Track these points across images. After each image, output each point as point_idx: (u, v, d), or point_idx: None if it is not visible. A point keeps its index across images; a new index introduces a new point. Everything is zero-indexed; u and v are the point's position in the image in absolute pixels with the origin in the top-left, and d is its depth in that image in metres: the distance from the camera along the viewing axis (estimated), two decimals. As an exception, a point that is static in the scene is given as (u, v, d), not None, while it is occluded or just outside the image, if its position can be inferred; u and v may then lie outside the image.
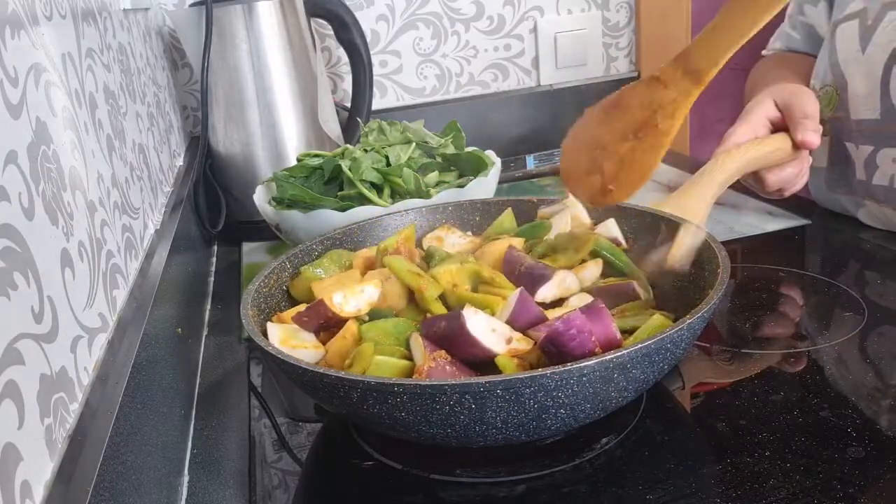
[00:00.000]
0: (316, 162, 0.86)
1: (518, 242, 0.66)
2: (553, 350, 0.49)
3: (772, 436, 0.52)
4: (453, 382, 0.44)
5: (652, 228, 0.66)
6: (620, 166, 0.54)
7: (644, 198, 1.02)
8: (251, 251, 1.00)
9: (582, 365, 0.43)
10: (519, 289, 0.55)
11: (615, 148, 0.55)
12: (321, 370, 0.47)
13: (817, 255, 0.84)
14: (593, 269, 0.62)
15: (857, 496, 0.45)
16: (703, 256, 0.59)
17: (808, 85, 0.89)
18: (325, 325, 0.57)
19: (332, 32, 1.14)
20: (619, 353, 0.44)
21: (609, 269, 0.63)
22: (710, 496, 0.47)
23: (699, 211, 0.71)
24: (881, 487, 0.46)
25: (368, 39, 1.16)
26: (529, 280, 0.58)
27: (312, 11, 1.10)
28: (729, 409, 0.55)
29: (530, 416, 0.45)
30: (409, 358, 0.53)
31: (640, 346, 0.45)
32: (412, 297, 0.59)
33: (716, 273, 0.55)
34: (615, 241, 0.65)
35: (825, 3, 0.93)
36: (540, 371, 0.43)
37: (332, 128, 1.12)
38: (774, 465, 0.49)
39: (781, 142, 0.78)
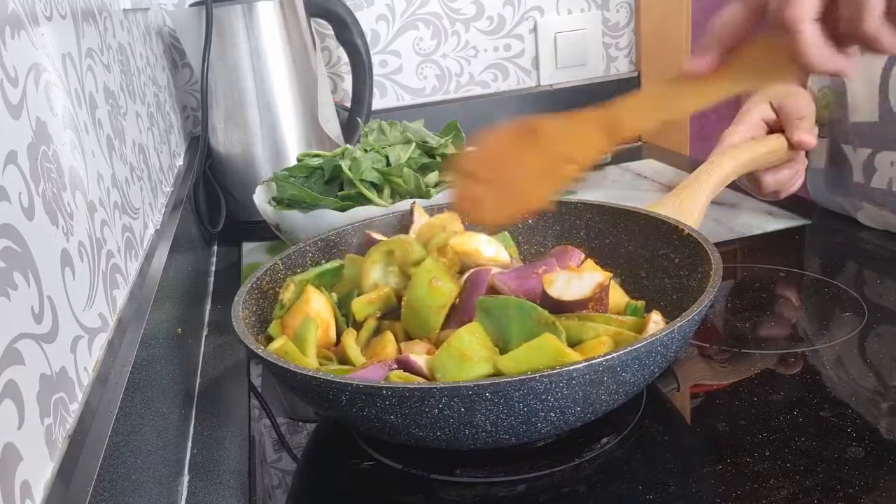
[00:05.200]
0: (316, 162, 0.86)
1: None
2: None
3: (772, 436, 0.52)
4: (442, 385, 0.44)
5: (645, 229, 0.66)
6: (511, 189, 0.54)
7: (641, 198, 1.03)
8: (251, 251, 1.00)
9: (571, 368, 0.43)
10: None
11: (517, 170, 0.54)
12: (310, 373, 0.47)
13: (817, 255, 0.84)
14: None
15: (857, 496, 0.45)
16: (696, 258, 0.59)
17: (804, 86, 0.89)
18: None
19: (332, 32, 1.14)
20: (608, 357, 0.44)
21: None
22: (710, 496, 0.47)
23: (694, 212, 0.71)
24: (881, 487, 0.46)
25: (368, 39, 1.16)
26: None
27: (312, 11, 1.10)
28: (729, 410, 0.55)
29: (520, 419, 0.45)
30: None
31: (629, 348, 0.45)
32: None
33: (708, 275, 0.54)
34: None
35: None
36: (528, 374, 0.43)
37: (332, 128, 1.12)
38: (774, 465, 0.49)
39: (777, 143, 0.78)
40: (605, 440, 0.53)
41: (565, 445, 0.53)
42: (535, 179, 0.53)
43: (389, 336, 0.57)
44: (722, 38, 0.46)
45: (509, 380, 0.43)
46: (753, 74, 0.47)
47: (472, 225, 0.65)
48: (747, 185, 0.83)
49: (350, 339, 0.57)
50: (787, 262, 0.79)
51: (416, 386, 0.45)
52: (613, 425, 0.54)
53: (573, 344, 0.51)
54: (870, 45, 0.44)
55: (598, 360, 0.44)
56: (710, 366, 0.62)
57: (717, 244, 0.59)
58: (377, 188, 0.82)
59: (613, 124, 0.51)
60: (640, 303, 0.59)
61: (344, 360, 0.56)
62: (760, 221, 0.89)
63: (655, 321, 0.53)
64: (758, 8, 0.45)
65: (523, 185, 0.53)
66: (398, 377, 0.49)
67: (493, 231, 0.63)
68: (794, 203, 0.91)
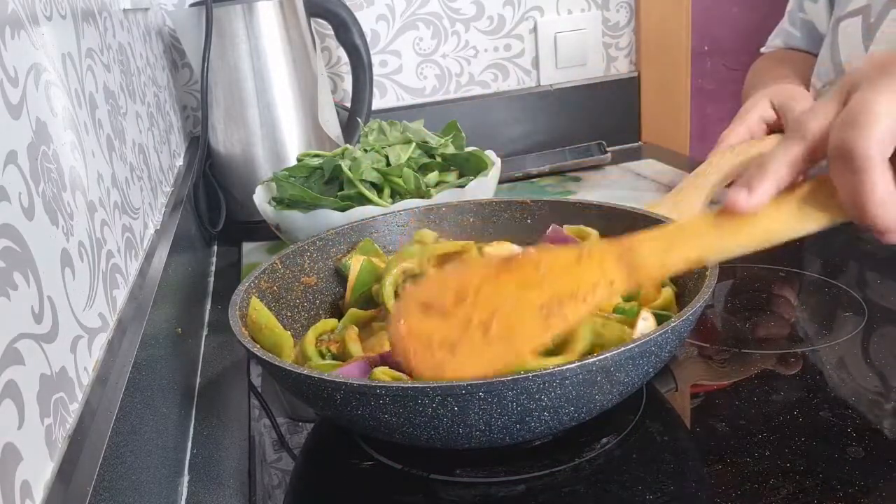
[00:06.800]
0: (316, 162, 0.86)
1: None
2: None
3: (772, 436, 0.52)
4: (435, 385, 0.44)
5: (643, 229, 0.65)
6: (485, 325, 0.42)
7: (641, 198, 1.03)
8: (251, 251, 1.00)
9: (564, 368, 0.43)
10: None
11: (492, 302, 0.43)
12: (304, 372, 0.47)
13: (817, 255, 0.84)
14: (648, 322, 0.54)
15: (857, 496, 0.45)
16: None
17: (808, 83, 0.89)
18: None
19: (332, 32, 1.14)
20: (602, 357, 0.44)
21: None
22: (710, 496, 0.47)
23: (692, 212, 0.71)
24: (881, 487, 0.46)
25: (368, 39, 1.16)
26: None
27: (312, 11, 1.10)
28: (729, 410, 0.55)
29: (513, 418, 0.45)
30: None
31: (623, 349, 0.45)
32: None
33: (704, 275, 0.54)
34: None
35: (826, 1, 0.92)
36: (522, 374, 0.43)
37: (332, 128, 1.12)
38: (774, 465, 0.49)
39: (777, 143, 0.78)
40: (604, 440, 0.53)
41: (565, 445, 0.53)
42: (527, 318, 0.41)
43: (384, 336, 0.57)
44: (780, 177, 0.41)
45: (502, 379, 0.43)
46: (796, 222, 0.41)
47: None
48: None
49: (353, 334, 0.58)
50: (787, 261, 0.79)
51: (409, 385, 0.45)
52: (613, 425, 0.54)
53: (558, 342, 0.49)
54: None
55: (592, 360, 0.44)
56: (709, 366, 0.62)
57: (716, 244, 0.59)
58: (377, 188, 0.81)
59: (630, 256, 0.43)
60: (632, 303, 0.58)
61: (343, 353, 0.57)
62: (760, 221, 0.89)
63: (644, 318, 0.53)
64: (817, 149, 0.40)
65: (504, 329, 0.41)
66: (384, 374, 0.50)
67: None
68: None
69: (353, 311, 0.62)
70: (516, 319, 0.42)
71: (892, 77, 0.38)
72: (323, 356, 0.57)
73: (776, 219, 0.41)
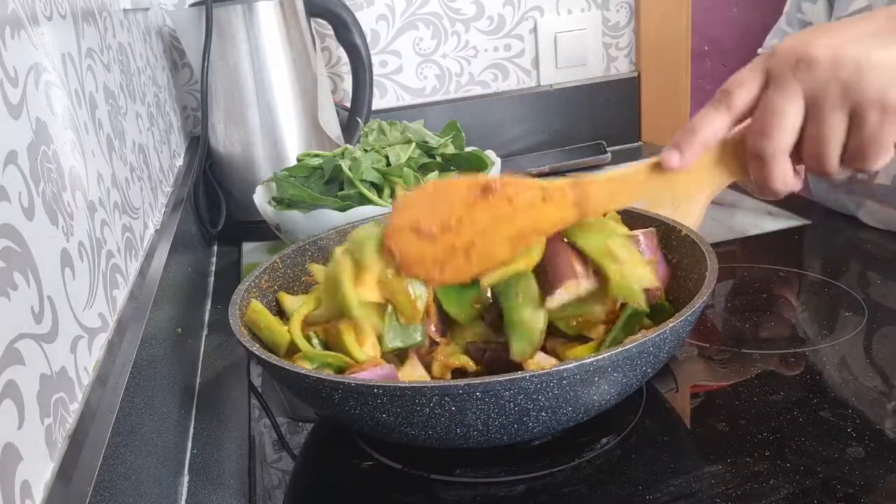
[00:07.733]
0: (316, 162, 0.86)
1: None
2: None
3: (772, 436, 0.52)
4: (432, 384, 0.44)
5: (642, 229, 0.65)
6: (466, 250, 0.52)
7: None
8: (251, 251, 1.00)
9: (562, 368, 0.43)
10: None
11: (472, 230, 0.52)
12: (303, 371, 0.47)
13: (817, 255, 0.84)
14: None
15: (857, 496, 0.45)
16: (693, 259, 0.59)
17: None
18: None
19: (332, 32, 1.14)
20: (599, 357, 0.44)
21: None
22: (710, 496, 0.47)
23: (694, 211, 0.71)
24: (881, 487, 0.46)
25: (368, 39, 1.16)
26: None
27: (312, 11, 1.10)
28: (729, 410, 0.55)
29: (511, 418, 0.45)
30: None
31: (621, 349, 0.45)
32: None
33: (703, 275, 0.54)
34: None
35: (825, 1, 0.92)
36: (519, 374, 0.43)
37: (332, 128, 1.12)
38: (774, 465, 0.49)
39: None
40: (604, 440, 0.53)
41: (565, 445, 0.53)
42: (499, 246, 0.51)
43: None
44: (706, 143, 0.51)
45: (499, 379, 0.43)
46: (716, 176, 0.53)
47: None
48: (748, 185, 0.83)
49: (349, 330, 0.55)
50: (787, 262, 0.79)
51: (407, 385, 0.45)
52: (613, 425, 0.54)
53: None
54: (823, 176, 0.52)
55: (589, 360, 0.44)
56: (709, 366, 0.62)
57: (716, 244, 0.59)
58: (377, 188, 0.82)
59: (584, 201, 0.52)
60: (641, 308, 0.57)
61: (330, 342, 0.56)
62: (760, 221, 0.89)
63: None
64: (740, 118, 0.51)
65: (485, 250, 0.51)
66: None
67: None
68: (794, 203, 0.91)
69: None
70: (491, 246, 0.52)
71: (804, 77, 0.48)
72: (310, 341, 0.56)
73: (697, 173, 0.53)
